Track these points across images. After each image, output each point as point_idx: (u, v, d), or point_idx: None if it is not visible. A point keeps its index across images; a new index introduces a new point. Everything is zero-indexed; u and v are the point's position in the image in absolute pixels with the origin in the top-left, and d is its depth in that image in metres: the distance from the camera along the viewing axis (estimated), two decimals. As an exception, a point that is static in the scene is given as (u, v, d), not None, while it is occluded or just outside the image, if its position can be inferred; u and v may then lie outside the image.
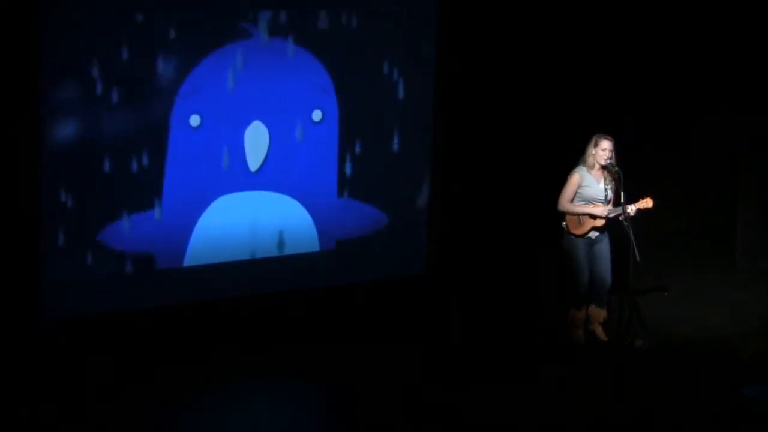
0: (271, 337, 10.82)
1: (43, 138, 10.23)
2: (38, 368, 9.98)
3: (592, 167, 10.54)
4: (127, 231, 10.70)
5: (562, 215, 10.59)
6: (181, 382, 9.94)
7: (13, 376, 9.82)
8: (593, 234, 10.56)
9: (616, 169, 10.44)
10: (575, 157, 10.68)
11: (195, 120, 10.85)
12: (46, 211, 10.34)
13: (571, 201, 10.54)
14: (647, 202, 10.46)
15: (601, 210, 10.46)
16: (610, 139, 10.47)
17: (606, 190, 10.48)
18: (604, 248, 10.60)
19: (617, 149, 10.51)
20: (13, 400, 9.49)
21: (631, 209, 10.42)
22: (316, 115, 11.33)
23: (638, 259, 10.33)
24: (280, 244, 11.34)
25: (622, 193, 10.43)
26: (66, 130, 10.35)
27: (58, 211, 10.41)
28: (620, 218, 10.40)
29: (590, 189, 10.52)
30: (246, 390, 9.87)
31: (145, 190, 10.72)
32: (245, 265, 11.24)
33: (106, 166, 10.55)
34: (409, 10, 11.57)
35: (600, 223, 10.51)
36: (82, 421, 9.29)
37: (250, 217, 11.18)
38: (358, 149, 11.53)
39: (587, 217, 10.51)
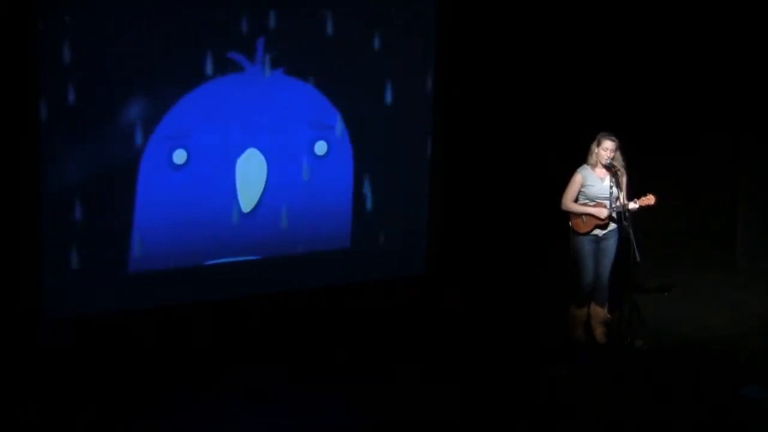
0: (271, 337, 10.82)
1: (43, 139, 10.23)
2: (38, 368, 9.98)
3: (595, 166, 10.55)
4: (127, 232, 10.72)
5: (568, 214, 10.60)
6: (181, 383, 9.94)
7: (14, 376, 9.82)
8: (599, 232, 10.57)
9: (616, 168, 10.45)
10: (576, 156, 10.68)
11: (180, 157, 10.87)
12: (46, 212, 10.34)
13: (576, 200, 10.55)
14: (649, 199, 10.47)
15: (602, 211, 10.46)
16: (613, 140, 10.47)
17: (611, 188, 10.48)
18: (610, 247, 10.60)
19: (623, 149, 10.51)
20: (14, 400, 9.49)
21: (633, 206, 10.44)
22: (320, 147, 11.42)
23: (638, 259, 10.33)
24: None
25: (621, 192, 10.44)
26: (66, 132, 10.37)
27: (58, 212, 10.41)
28: (622, 218, 10.42)
29: (593, 188, 10.52)
30: (245, 390, 9.86)
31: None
32: (245, 266, 11.24)
33: (106, 167, 10.57)
34: (409, 11, 11.58)
35: (603, 221, 10.51)
36: (83, 421, 9.28)
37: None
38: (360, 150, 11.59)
39: (591, 216, 10.52)
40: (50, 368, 9.98)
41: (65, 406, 9.46)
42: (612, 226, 10.56)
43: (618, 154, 10.49)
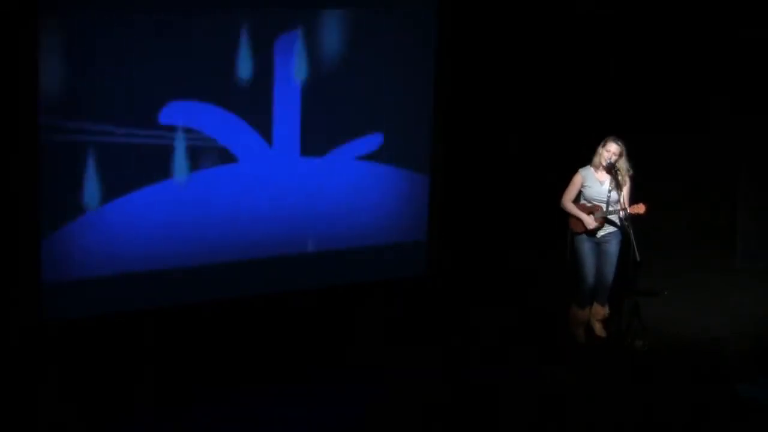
0: (271, 337, 10.83)
1: (42, 137, 10.24)
2: (38, 368, 9.98)
3: (597, 167, 10.57)
4: (126, 231, 10.73)
5: (568, 214, 10.63)
6: (181, 383, 9.95)
7: (14, 376, 9.83)
8: (599, 233, 10.58)
9: (616, 169, 10.46)
10: (576, 157, 10.70)
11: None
12: (46, 211, 10.35)
13: (575, 200, 10.57)
14: (640, 208, 10.47)
15: (589, 222, 10.48)
16: (618, 144, 10.46)
17: (609, 191, 10.50)
18: (612, 248, 10.62)
19: (629, 154, 10.53)
20: (13, 399, 9.50)
21: (623, 213, 10.43)
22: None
23: (638, 259, 10.34)
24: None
25: (621, 194, 10.46)
26: (66, 128, 10.37)
27: (58, 211, 10.41)
28: (622, 220, 10.44)
29: (591, 189, 10.54)
30: (246, 391, 9.87)
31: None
32: (245, 266, 11.24)
33: (106, 167, 10.58)
34: (409, 11, 11.59)
35: (591, 229, 10.55)
36: (82, 422, 9.29)
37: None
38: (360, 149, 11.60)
39: (586, 216, 10.55)
40: (50, 368, 9.99)
41: (65, 406, 9.47)
42: (612, 228, 10.58)
43: (623, 159, 10.50)
